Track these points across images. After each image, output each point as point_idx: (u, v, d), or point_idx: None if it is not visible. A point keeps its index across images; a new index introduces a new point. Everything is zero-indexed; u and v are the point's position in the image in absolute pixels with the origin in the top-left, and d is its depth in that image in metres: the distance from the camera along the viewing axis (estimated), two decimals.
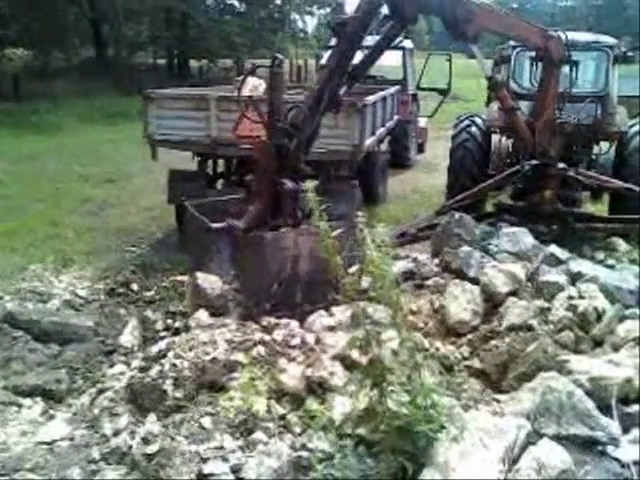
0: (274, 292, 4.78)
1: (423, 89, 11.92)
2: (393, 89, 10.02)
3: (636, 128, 7.89)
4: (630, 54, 8.09)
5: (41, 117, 18.55)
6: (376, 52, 5.58)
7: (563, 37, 6.86)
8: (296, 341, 4.16)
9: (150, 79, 20.35)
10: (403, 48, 12.62)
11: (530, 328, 4.18)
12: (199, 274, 5.00)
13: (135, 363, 4.33)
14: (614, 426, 2.99)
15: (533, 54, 7.25)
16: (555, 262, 5.15)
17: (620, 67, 8.10)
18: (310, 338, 4.21)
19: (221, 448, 3.25)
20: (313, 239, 4.30)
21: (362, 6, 5.04)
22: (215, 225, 4.99)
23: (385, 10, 5.24)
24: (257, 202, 5.05)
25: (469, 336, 4.34)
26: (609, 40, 8.28)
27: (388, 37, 5.43)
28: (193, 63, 32.35)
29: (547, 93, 6.94)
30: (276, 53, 5.23)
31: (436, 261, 5.19)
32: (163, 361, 3.96)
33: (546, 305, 4.51)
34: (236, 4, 34.09)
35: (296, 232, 4.89)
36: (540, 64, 7.12)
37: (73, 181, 11.48)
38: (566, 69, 7.08)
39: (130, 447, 3.34)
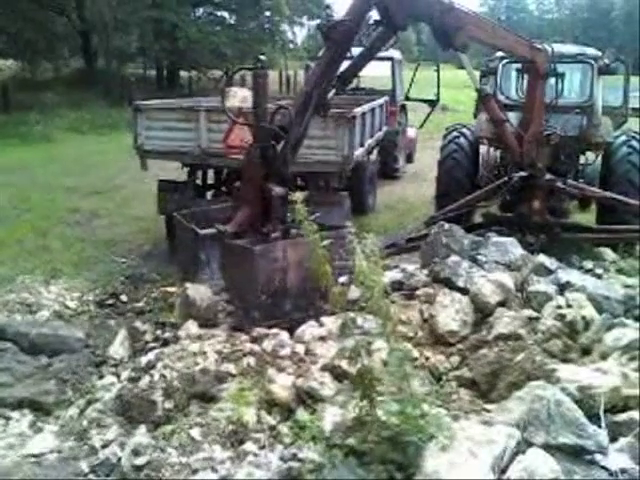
0: (263, 301, 4.77)
1: (412, 99, 12.01)
2: (382, 100, 10.08)
3: (621, 139, 7.98)
4: (614, 65, 8.19)
5: (30, 128, 18.50)
6: (365, 57, 5.58)
7: (549, 49, 6.94)
8: (286, 351, 4.16)
9: (139, 90, 20.34)
10: (392, 59, 12.73)
11: (519, 337, 4.19)
12: (189, 285, 5.00)
13: (125, 374, 4.30)
14: (602, 434, 3.00)
15: (520, 66, 7.33)
16: (544, 272, 5.18)
17: (605, 78, 8.21)
18: (300, 348, 4.21)
19: (211, 459, 3.24)
20: (303, 248, 4.30)
21: (352, 10, 5.05)
22: (204, 231, 4.97)
23: (375, 15, 5.27)
24: (245, 207, 5.02)
25: (459, 346, 4.34)
26: (593, 52, 8.39)
27: (377, 43, 5.46)
28: (183, 74, 32.39)
29: (534, 105, 7.02)
30: (260, 55, 5.19)
31: (425, 271, 5.20)
32: (153, 372, 3.94)
33: (535, 314, 4.53)
34: (226, 15, 34.18)
35: (285, 241, 4.88)
36: (527, 76, 7.20)
37: (62, 192, 11.44)
38: (552, 80, 7.17)
39: (119, 459, 3.31)
